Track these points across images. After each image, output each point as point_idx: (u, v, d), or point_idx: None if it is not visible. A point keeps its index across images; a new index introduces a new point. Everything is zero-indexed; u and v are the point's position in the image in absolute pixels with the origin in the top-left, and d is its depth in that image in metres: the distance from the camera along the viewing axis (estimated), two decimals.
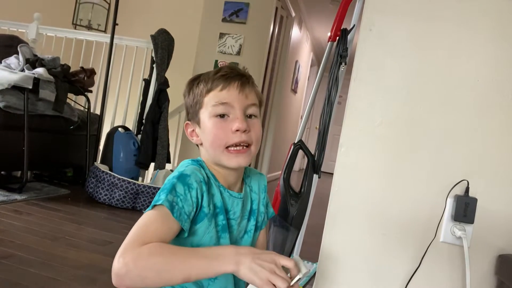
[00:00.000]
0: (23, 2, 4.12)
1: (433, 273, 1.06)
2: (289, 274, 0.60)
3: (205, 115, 0.73)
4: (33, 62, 2.41)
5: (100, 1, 4.51)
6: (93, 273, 1.34)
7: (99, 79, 3.13)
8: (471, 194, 1.02)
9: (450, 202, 1.04)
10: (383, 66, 1.11)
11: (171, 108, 3.07)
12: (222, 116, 0.71)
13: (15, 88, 2.22)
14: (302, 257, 1.63)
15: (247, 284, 0.61)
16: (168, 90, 2.94)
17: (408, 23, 1.09)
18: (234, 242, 0.77)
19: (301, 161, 6.81)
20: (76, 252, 1.54)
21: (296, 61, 5.58)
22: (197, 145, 0.79)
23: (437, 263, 1.05)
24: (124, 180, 2.36)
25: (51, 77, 2.39)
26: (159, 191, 0.67)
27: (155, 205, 0.64)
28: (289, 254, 1.33)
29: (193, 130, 0.77)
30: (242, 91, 0.72)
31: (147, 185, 2.40)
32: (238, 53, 3.83)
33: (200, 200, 0.68)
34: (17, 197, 2.16)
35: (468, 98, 1.05)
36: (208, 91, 0.72)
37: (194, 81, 0.76)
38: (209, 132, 0.72)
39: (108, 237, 1.77)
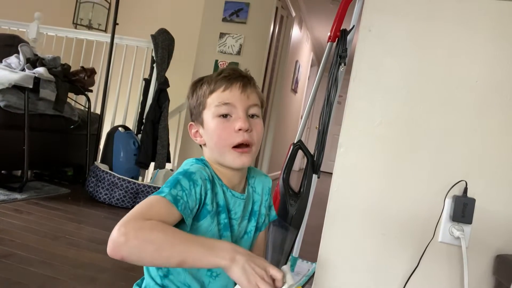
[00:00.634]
0: (23, 1, 4.13)
1: (431, 273, 1.06)
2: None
3: (208, 115, 0.74)
4: (33, 61, 2.42)
5: (100, 0, 4.51)
6: (93, 272, 1.35)
7: (99, 78, 3.13)
8: (469, 194, 1.02)
9: (448, 203, 1.04)
10: (383, 66, 1.11)
11: (171, 107, 3.07)
12: (225, 116, 0.73)
13: (16, 88, 2.22)
14: (301, 257, 1.64)
15: (235, 284, 0.61)
16: (168, 89, 2.95)
17: (407, 23, 1.10)
18: (234, 242, 0.78)
19: (301, 161, 6.82)
20: (76, 251, 1.54)
21: (296, 61, 5.58)
22: (200, 145, 0.80)
23: (435, 263, 1.06)
24: (124, 180, 2.37)
25: (52, 76, 2.40)
26: (162, 185, 0.67)
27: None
28: (288, 254, 1.33)
29: (196, 131, 0.78)
30: (244, 92, 0.73)
31: (147, 185, 2.40)
32: (238, 53, 3.84)
33: (203, 197, 0.69)
34: (18, 196, 2.17)
35: (467, 99, 1.05)
36: (211, 92, 0.74)
37: (198, 83, 0.78)
38: (213, 132, 0.73)
39: (108, 236, 1.77)
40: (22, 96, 2.24)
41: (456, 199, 1.02)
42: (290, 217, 1.28)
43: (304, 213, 1.33)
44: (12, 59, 2.45)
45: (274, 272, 0.59)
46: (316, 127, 1.41)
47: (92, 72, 2.80)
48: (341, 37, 1.39)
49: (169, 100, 2.94)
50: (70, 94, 2.75)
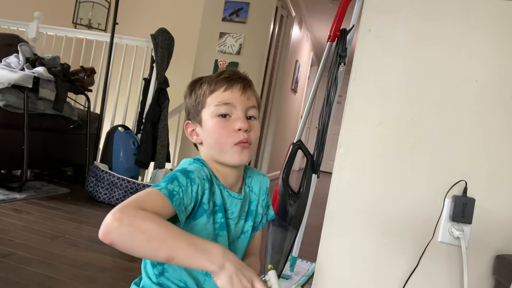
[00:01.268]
0: (23, 1, 4.12)
1: (431, 273, 1.06)
2: None
3: (207, 114, 0.75)
4: (33, 61, 2.42)
5: (100, 0, 4.51)
6: (92, 272, 1.34)
7: (99, 78, 3.13)
8: (469, 194, 1.02)
9: (448, 203, 1.04)
10: (382, 65, 1.11)
11: (171, 107, 3.07)
12: (224, 115, 0.74)
13: (15, 87, 2.22)
14: (300, 257, 1.64)
15: None
16: (168, 89, 2.95)
17: (407, 23, 1.09)
18: (231, 241, 0.78)
19: (300, 161, 6.82)
20: (76, 251, 1.54)
21: (296, 61, 5.58)
22: (195, 144, 0.80)
23: (435, 263, 1.06)
24: (123, 179, 2.37)
25: (51, 76, 2.39)
26: (163, 179, 0.67)
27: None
28: (288, 254, 1.33)
29: (193, 130, 0.79)
30: (244, 93, 0.75)
31: (146, 184, 2.40)
32: (238, 52, 3.83)
33: (200, 196, 0.69)
34: (17, 196, 2.17)
35: (467, 98, 1.05)
36: (212, 91, 0.75)
37: (197, 83, 0.79)
38: (212, 131, 0.74)
39: None
40: (21, 96, 2.23)
41: (456, 199, 1.02)
42: (290, 217, 1.28)
43: (303, 213, 1.33)
44: (12, 59, 2.44)
45: (259, 286, 0.59)
46: (316, 126, 1.41)
47: (91, 71, 2.80)
48: (340, 36, 1.39)
49: (168, 100, 2.93)
50: (70, 94, 2.74)
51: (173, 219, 0.65)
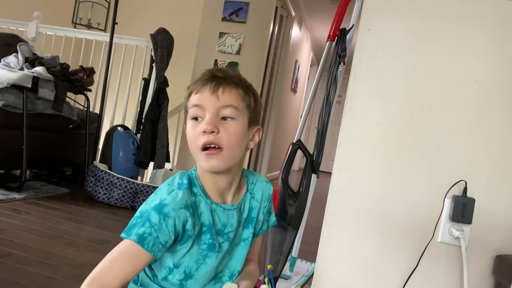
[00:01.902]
0: (22, 0, 4.12)
1: (431, 273, 1.06)
2: None
3: (187, 118, 0.74)
4: (32, 61, 2.41)
5: (100, 0, 4.51)
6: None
7: (98, 78, 3.12)
8: (469, 194, 1.02)
9: (448, 203, 1.04)
10: (382, 65, 1.11)
11: (170, 107, 3.07)
12: (196, 118, 0.72)
13: (14, 87, 2.22)
14: (300, 257, 1.64)
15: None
16: (167, 89, 2.94)
17: (407, 22, 1.09)
18: (231, 250, 0.77)
19: (300, 161, 6.82)
20: (75, 251, 1.54)
21: (296, 61, 5.58)
22: None
23: (435, 263, 1.05)
24: (123, 179, 2.36)
25: (51, 76, 2.39)
26: (133, 218, 0.67)
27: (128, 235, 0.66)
28: (288, 254, 1.33)
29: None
30: (214, 93, 0.70)
31: (146, 184, 2.40)
32: (238, 52, 3.83)
33: (181, 227, 0.68)
34: (16, 196, 2.16)
35: (467, 98, 1.05)
36: (189, 94, 0.73)
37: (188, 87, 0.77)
38: (188, 134, 0.73)
39: (107, 236, 1.77)
40: (20, 96, 2.23)
41: (455, 199, 1.02)
42: (289, 217, 1.28)
43: (303, 213, 1.33)
44: (11, 59, 2.44)
45: None
46: (316, 126, 1.40)
47: (91, 71, 2.80)
48: (340, 36, 1.38)
49: (168, 100, 2.93)
50: (69, 94, 2.74)
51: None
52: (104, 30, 4.54)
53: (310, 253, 1.52)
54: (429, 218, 1.05)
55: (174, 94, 3.06)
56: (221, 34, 3.87)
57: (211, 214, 0.73)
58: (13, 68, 2.35)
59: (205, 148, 0.70)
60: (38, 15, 3.25)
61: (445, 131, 1.05)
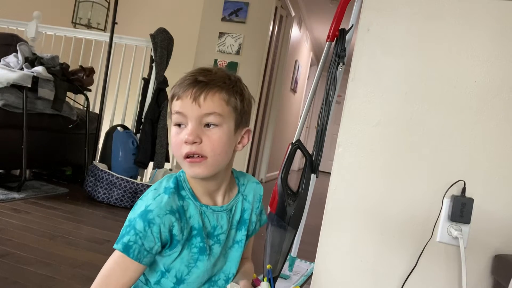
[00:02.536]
0: (22, 0, 4.12)
1: (429, 273, 1.06)
2: None
3: (171, 123, 0.71)
4: (32, 60, 2.41)
5: (99, 0, 4.51)
6: (91, 271, 1.34)
7: (98, 78, 3.13)
8: (467, 194, 1.02)
9: (446, 202, 1.04)
10: (381, 65, 1.11)
11: (169, 107, 3.06)
12: (179, 125, 0.69)
13: (14, 87, 2.22)
14: (299, 257, 1.64)
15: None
16: (167, 89, 2.94)
17: (406, 22, 1.09)
18: (224, 253, 0.77)
19: (300, 161, 6.82)
20: (74, 250, 1.54)
21: (296, 61, 5.58)
22: None
23: (433, 263, 1.06)
24: (122, 179, 2.36)
25: (50, 75, 2.39)
26: (123, 227, 0.67)
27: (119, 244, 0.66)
28: (287, 254, 1.33)
29: None
30: (195, 100, 0.67)
31: (145, 184, 2.40)
32: (238, 52, 3.84)
33: (167, 233, 0.67)
34: (16, 195, 2.16)
35: (466, 98, 1.05)
36: (171, 99, 0.71)
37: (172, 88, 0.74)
38: (171, 140, 0.71)
39: (107, 235, 1.77)
40: (20, 95, 2.23)
41: (454, 199, 1.02)
42: (289, 216, 1.28)
43: (302, 213, 1.33)
44: (11, 58, 2.44)
45: None
46: (316, 126, 1.40)
47: (91, 71, 2.80)
48: (339, 36, 1.39)
49: (168, 100, 2.93)
50: (69, 93, 2.74)
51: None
52: (104, 30, 4.55)
53: (309, 252, 1.53)
54: (428, 217, 1.06)
55: None
56: (221, 34, 3.87)
57: (200, 216, 0.72)
58: (13, 68, 2.35)
59: (188, 156, 0.68)
60: (38, 15, 3.25)
61: (444, 131, 1.06)
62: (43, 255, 1.43)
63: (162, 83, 2.90)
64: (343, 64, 1.36)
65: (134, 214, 0.67)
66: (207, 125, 0.68)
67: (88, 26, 4.58)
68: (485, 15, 1.04)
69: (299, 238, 1.56)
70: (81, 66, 2.78)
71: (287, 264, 1.56)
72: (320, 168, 1.40)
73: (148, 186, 2.38)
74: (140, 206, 0.68)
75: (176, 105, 0.69)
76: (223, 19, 3.87)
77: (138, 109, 3.00)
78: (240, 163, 3.94)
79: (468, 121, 1.04)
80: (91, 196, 2.42)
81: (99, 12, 4.65)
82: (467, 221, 1.01)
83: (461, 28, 1.06)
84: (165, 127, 2.91)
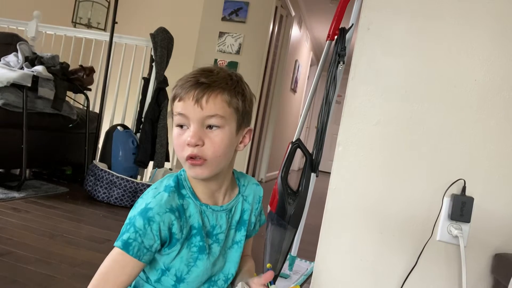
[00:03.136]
0: (22, 0, 4.12)
1: (429, 272, 1.06)
2: None
3: (173, 123, 0.72)
4: (32, 60, 2.41)
5: None
6: (91, 270, 1.33)
7: (98, 77, 3.13)
8: (467, 193, 1.02)
9: (446, 201, 1.04)
10: (381, 64, 1.11)
11: (170, 106, 3.06)
12: (181, 126, 0.70)
13: (14, 86, 2.22)
14: (299, 256, 1.64)
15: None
16: (167, 88, 2.94)
17: (406, 21, 1.09)
18: (223, 253, 0.77)
19: (300, 160, 6.82)
20: (74, 249, 1.54)
21: (296, 61, 5.58)
22: None
23: (433, 262, 1.06)
24: (122, 179, 2.36)
25: (50, 75, 2.39)
26: (123, 226, 0.67)
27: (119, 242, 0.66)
28: (287, 253, 1.33)
29: None
30: (197, 102, 0.67)
31: (145, 184, 2.40)
32: (238, 52, 3.84)
33: (167, 231, 0.67)
34: (16, 194, 2.16)
35: (466, 98, 1.05)
36: (173, 99, 0.71)
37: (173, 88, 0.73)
38: (173, 141, 0.71)
39: (106, 235, 1.77)
40: (20, 95, 2.23)
41: (454, 197, 1.02)
42: (289, 215, 1.28)
43: (302, 212, 1.33)
44: (11, 58, 2.44)
45: None
46: (316, 126, 1.40)
47: (91, 70, 2.80)
48: (340, 35, 1.39)
49: (168, 99, 2.93)
50: (69, 93, 2.74)
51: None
52: (104, 30, 4.55)
53: (309, 252, 1.53)
54: (428, 216, 1.06)
55: None
56: (221, 34, 3.87)
57: (200, 216, 0.72)
58: (13, 67, 2.35)
59: (190, 157, 0.68)
60: (38, 15, 3.25)
61: (444, 130, 1.06)
62: (43, 254, 1.43)
63: (162, 82, 2.90)
64: (343, 63, 1.36)
65: (134, 212, 0.68)
66: (209, 126, 0.68)
67: (88, 26, 4.58)
68: (485, 14, 1.04)
69: (299, 237, 1.56)
70: (81, 66, 2.78)
71: (287, 263, 1.56)
72: (320, 168, 1.40)
73: (148, 186, 2.39)
74: (140, 204, 0.68)
75: (178, 107, 0.69)
76: (223, 18, 3.87)
77: (138, 109, 3.00)
78: (240, 163, 3.94)
79: (468, 120, 1.04)
80: (91, 196, 2.42)
81: (99, 11, 4.65)
82: (467, 220, 1.01)
83: (461, 28, 1.05)
84: (165, 126, 2.91)
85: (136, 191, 2.38)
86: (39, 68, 2.34)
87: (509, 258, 0.95)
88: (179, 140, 0.69)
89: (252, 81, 3.84)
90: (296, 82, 5.81)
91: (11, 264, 1.30)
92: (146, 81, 2.96)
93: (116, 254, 0.66)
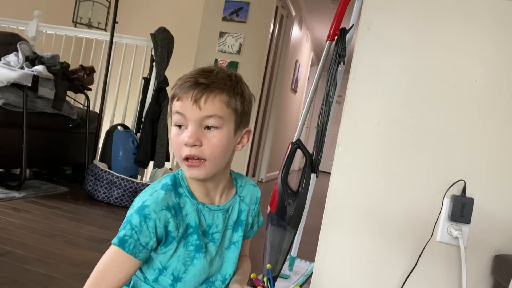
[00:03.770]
0: None
1: (429, 273, 1.06)
2: None
3: (172, 123, 0.71)
4: (32, 59, 2.41)
5: None
6: (91, 270, 1.33)
7: (98, 77, 3.13)
8: (468, 194, 1.02)
9: (447, 202, 1.04)
10: (382, 64, 1.11)
11: (169, 106, 3.06)
12: (179, 126, 0.70)
13: (14, 86, 2.22)
14: (299, 256, 1.64)
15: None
16: (167, 88, 2.94)
17: (406, 22, 1.09)
18: (220, 253, 0.77)
19: (300, 161, 6.82)
20: (74, 249, 1.54)
21: (296, 61, 5.58)
22: None
23: (433, 263, 1.06)
24: (122, 179, 2.36)
25: (51, 75, 2.39)
26: (122, 224, 0.67)
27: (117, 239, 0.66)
28: (287, 253, 1.33)
29: None
30: (196, 103, 0.66)
31: (145, 184, 2.40)
32: (238, 52, 3.84)
33: (162, 229, 0.67)
34: (16, 194, 2.16)
35: (466, 98, 1.05)
36: (172, 98, 0.71)
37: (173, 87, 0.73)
38: (171, 140, 0.72)
39: (106, 235, 1.77)
40: (20, 94, 2.23)
41: (454, 198, 1.02)
42: (288, 216, 1.28)
43: (302, 212, 1.33)
44: (11, 57, 2.44)
45: None
46: (316, 126, 1.40)
47: (91, 70, 2.80)
48: (340, 36, 1.38)
49: (168, 99, 2.91)
50: (69, 93, 2.74)
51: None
52: (105, 29, 4.55)
53: (309, 252, 1.52)
54: (428, 217, 1.05)
55: None
56: (222, 34, 3.87)
57: (197, 214, 0.72)
58: (13, 67, 2.35)
59: (187, 158, 0.68)
60: (39, 14, 3.25)
61: (444, 130, 1.06)
62: (42, 254, 1.43)
63: (162, 82, 2.90)
64: (344, 63, 1.35)
65: (131, 210, 0.68)
66: (207, 127, 0.68)
67: (89, 26, 4.58)
68: (486, 14, 1.04)
69: (299, 237, 1.55)
70: (81, 65, 2.78)
71: (287, 263, 1.56)
72: (320, 168, 1.40)
73: (148, 186, 2.38)
74: (137, 202, 0.69)
75: (176, 106, 0.69)
76: (224, 18, 3.87)
77: (138, 109, 3.00)
78: (240, 163, 3.94)
79: (468, 121, 1.04)
80: (91, 195, 2.42)
81: (100, 11, 4.65)
82: (467, 221, 1.01)
83: (461, 28, 1.05)
84: (166, 126, 2.91)
85: (136, 191, 2.37)
86: (39, 68, 2.33)
87: (509, 260, 0.95)
88: (176, 140, 0.70)
89: (253, 81, 3.83)
90: (296, 82, 5.80)
91: (11, 264, 1.30)
92: (147, 81, 2.95)
93: (112, 252, 0.66)
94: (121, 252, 0.65)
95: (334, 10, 1.46)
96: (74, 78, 2.67)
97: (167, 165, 3.03)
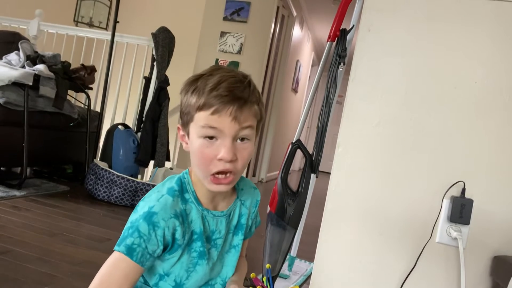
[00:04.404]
0: None
1: (428, 273, 1.06)
2: None
3: (194, 131, 0.67)
4: (33, 58, 2.42)
5: None
6: (91, 269, 1.34)
7: (99, 76, 3.13)
8: (467, 195, 1.02)
9: (446, 203, 1.04)
10: (382, 65, 1.11)
11: (171, 106, 3.07)
12: (210, 137, 0.66)
13: (16, 85, 2.22)
14: (299, 256, 1.64)
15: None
16: (168, 88, 2.95)
17: (407, 23, 1.09)
18: (221, 257, 0.77)
19: (300, 161, 6.82)
20: (74, 248, 1.54)
21: (297, 61, 5.58)
22: None
23: (432, 263, 1.06)
24: (123, 178, 2.37)
25: (52, 74, 2.40)
26: (125, 229, 0.65)
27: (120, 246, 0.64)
28: (286, 253, 1.33)
29: (183, 135, 0.73)
30: (235, 118, 0.64)
31: (146, 183, 2.40)
32: (239, 52, 3.84)
33: (170, 236, 0.66)
34: (16, 193, 2.17)
35: (466, 99, 1.05)
36: (200, 108, 0.65)
37: (191, 86, 0.68)
38: (196, 151, 0.67)
39: (106, 234, 1.77)
40: (22, 93, 2.24)
41: (454, 199, 1.02)
42: (288, 216, 1.28)
43: (302, 213, 1.33)
44: (12, 56, 2.45)
45: None
46: (316, 126, 1.40)
47: (92, 69, 2.80)
48: (340, 36, 1.39)
49: (169, 99, 2.94)
50: (70, 92, 2.75)
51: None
52: (106, 29, 4.55)
53: (309, 252, 1.53)
54: (427, 218, 1.06)
55: (175, 93, 3.05)
56: (222, 34, 3.87)
57: (202, 221, 0.71)
58: (15, 66, 2.35)
59: (218, 172, 0.66)
60: (40, 13, 3.25)
61: (444, 132, 1.06)
62: (43, 252, 1.43)
63: (163, 82, 2.90)
64: (344, 64, 1.36)
65: (136, 215, 0.66)
66: (241, 139, 0.67)
67: (90, 25, 4.58)
68: (486, 15, 1.04)
69: (299, 238, 1.56)
70: (82, 65, 2.78)
71: (286, 263, 1.56)
72: (320, 168, 1.40)
73: (148, 185, 2.39)
74: (142, 207, 0.66)
75: (211, 120, 0.65)
76: (225, 18, 3.87)
77: (139, 108, 3.00)
78: None
79: (468, 122, 1.04)
80: (92, 194, 2.42)
81: (101, 10, 4.65)
82: (467, 222, 1.01)
83: (461, 29, 1.05)
84: (166, 126, 2.91)
85: (137, 191, 2.38)
86: (40, 67, 2.34)
87: (508, 261, 0.95)
88: (208, 154, 0.66)
89: (254, 81, 3.83)
90: (297, 82, 5.81)
91: (10, 263, 1.30)
92: (147, 80, 2.96)
93: (117, 259, 0.64)
94: (128, 260, 0.63)
95: (335, 11, 1.46)
96: (75, 77, 2.67)
97: (168, 164, 3.03)
